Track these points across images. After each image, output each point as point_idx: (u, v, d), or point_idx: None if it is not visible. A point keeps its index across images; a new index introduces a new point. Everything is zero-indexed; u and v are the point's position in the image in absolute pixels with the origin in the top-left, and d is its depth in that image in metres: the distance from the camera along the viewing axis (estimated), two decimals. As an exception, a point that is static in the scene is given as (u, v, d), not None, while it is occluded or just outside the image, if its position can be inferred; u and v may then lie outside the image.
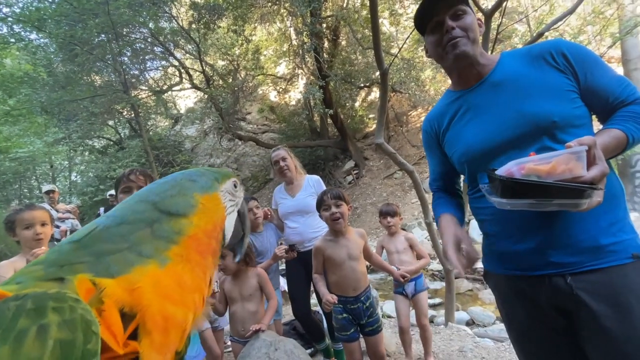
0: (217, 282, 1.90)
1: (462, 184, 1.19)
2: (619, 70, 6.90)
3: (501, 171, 0.77)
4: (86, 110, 7.31)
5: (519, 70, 0.92)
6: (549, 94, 0.87)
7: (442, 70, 8.46)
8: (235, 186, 0.58)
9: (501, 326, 3.28)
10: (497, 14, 2.54)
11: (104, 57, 6.54)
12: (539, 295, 0.88)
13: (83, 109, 7.23)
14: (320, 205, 1.76)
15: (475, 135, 0.95)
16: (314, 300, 2.34)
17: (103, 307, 0.35)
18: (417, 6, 0.97)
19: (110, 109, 8.08)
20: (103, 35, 6.48)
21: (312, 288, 2.17)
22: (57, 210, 4.22)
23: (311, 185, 2.26)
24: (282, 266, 2.59)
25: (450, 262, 0.92)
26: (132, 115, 7.92)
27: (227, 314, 1.90)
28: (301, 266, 2.16)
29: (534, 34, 3.17)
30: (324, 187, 2.20)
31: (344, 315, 1.72)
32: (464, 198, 1.17)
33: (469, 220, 5.75)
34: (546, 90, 0.88)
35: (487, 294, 4.21)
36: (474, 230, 5.70)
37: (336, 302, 1.66)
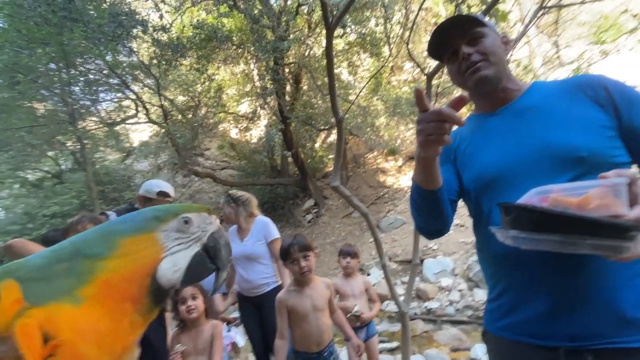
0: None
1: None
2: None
3: (521, 201, 0.65)
4: (22, 141, 6.69)
5: (550, 99, 0.83)
6: (582, 127, 0.76)
7: (396, 117, 9.23)
8: (185, 222, 0.55)
9: (455, 369, 3.28)
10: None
11: (50, 85, 6.16)
12: None
13: (18, 138, 6.61)
14: (287, 257, 1.67)
15: (490, 160, 0.85)
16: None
17: (27, 322, 0.37)
18: (430, 35, 0.89)
19: (51, 140, 7.47)
20: (53, 64, 6.17)
21: None
22: None
23: (258, 230, 2.21)
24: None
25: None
26: (78, 147, 7.39)
27: None
28: (255, 309, 2.18)
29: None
30: (272, 230, 2.19)
31: None
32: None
33: (422, 260, 5.93)
34: (579, 123, 0.77)
35: (441, 335, 4.25)
36: (428, 270, 5.88)
37: None
